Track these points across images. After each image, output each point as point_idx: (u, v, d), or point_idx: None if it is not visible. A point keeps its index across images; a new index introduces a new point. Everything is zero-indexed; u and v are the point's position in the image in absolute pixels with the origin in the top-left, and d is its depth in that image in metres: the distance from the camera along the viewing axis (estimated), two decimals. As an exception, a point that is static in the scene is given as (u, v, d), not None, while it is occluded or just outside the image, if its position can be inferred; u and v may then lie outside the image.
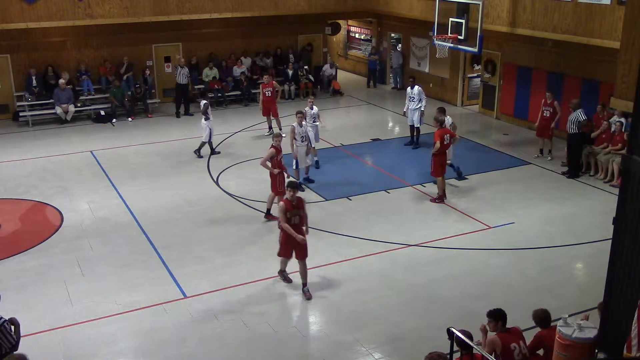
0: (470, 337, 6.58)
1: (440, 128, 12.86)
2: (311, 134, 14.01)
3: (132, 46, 20.41)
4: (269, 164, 11.61)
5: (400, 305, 9.28)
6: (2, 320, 6.40)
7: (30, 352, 7.92)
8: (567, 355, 6.39)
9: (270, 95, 17.15)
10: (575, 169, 14.33)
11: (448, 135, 12.82)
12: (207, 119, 15.41)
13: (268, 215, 12.03)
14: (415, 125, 16.35)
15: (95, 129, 18.58)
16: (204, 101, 15.67)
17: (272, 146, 11.73)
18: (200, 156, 15.64)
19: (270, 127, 17.54)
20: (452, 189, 13.67)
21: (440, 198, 12.88)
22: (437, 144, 12.54)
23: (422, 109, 16.13)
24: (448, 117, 13.83)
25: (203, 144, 15.65)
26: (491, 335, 6.78)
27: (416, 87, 16.21)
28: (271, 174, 11.70)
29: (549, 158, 15.37)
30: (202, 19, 19.91)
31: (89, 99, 19.65)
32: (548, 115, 15.18)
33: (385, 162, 15.63)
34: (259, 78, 21.68)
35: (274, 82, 17.63)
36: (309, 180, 13.91)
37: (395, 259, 10.63)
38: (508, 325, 6.84)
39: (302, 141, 13.30)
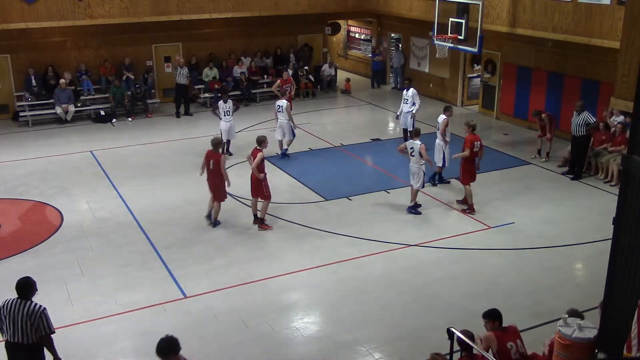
0: (472, 337, 6.58)
1: (472, 134, 12.21)
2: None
3: (132, 46, 20.42)
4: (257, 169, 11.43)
5: (400, 305, 9.28)
6: (42, 307, 6.63)
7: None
8: (567, 355, 6.40)
9: (288, 91, 17.22)
10: (579, 170, 14.29)
11: (479, 142, 12.18)
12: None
13: (257, 221, 11.86)
14: (407, 129, 16.13)
15: (95, 129, 18.58)
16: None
17: (259, 150, 11.47)
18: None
19: None
20: (452, 189, 13.69)
21: (471, 208, 12.38)
22: (467, 152, 12.06)
23: (414, 112, 15.85)
24: (443, 115, 13.74)
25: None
26: (487, 332, 6.78)
27: (411, 89, 15.99)
28: (257, 179, 11.50)
29: (543, 159, 15.35)
30: (202, 19, 19.91)
31: (89, 99, 19.66)
32: (543, 124, 15.25)
33: (385, 162, 15.63)
34: (260, 78, 21.77)
35: (292, 79, 17.82)
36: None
37: (395, 259, 10.63)
38: (505, 324, 6.83)
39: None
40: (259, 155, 11.39)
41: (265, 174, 11.65)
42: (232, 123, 15.66)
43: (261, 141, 11.61)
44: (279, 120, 15.52)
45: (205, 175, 11.79)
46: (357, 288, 9.72)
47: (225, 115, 15.46)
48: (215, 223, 11.86)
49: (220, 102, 15.56)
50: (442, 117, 13.72)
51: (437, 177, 13.94)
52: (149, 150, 16.56)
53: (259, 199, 11.79)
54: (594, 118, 14.08)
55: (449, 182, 13.93)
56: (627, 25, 9.22)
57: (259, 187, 11.59)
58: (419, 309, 9.18)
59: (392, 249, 10.98)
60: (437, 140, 13.77)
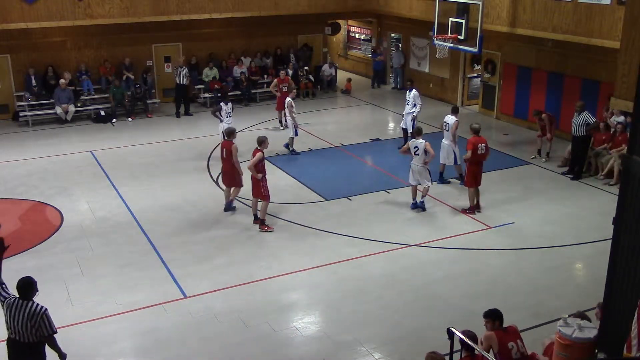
0: (475, 338, 6.56)
1: (475, 136, 12.11)
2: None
3: (132, 46, 20.42)
4: (253, 168, 11.42)
5: (400, 305, 9.28)
6: (44, 308, 6.58)
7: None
8: (567, 355, 6.39)
9: (286, 90, 17.27)
10: (579, 170, 14.28)
11: (483, 145, 12.07)
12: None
13: (257, 221, 11.86)
14: (408, 130, 16.05)
15: (95, 129, 18.58)
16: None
17: (259, 150, 11.49)
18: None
19: (281, 122, 17.77)
20: (452, 188, 13.70)
21: (472, 209, 12.36)
22: (469, 153, 11.99)
23: (415, 115, 15.75)
24: (453, 116, 13.74)
25: None
26: (487, 332, 6.76)
27: (413, 91, 15.86)
28: (255, 179, 11.56)
29: (543, 159, 15.36)
30: (202, 19, 19.91)
31: (89, 99, 19.66)
32: (543, 124, 15.30)
33: (385, 162, 15.64)
34: (260, 78, 21.78)
35: (289, 78, 18.17)
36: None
37: (395, 259, 10.63)
38: (505, 324, 6.83)
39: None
40: (258, 155, 11.41)
41: (264, 175, 11.64)
42: (232, 125, 15.52)
43: (261, 141, 11.61)
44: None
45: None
46: (357, 288, 9.72)
47: (227, 117, 15.28)
48: (229, 206, 12.46)
49: (222, 104, 15.41)
50: (452, 119, 13.65)
51: (458, 176, 13.99)
52: (149, 150, 16.55)
53: (259, 199, 11.80)
54: (593, 118, 14.07)
55: (449, 182, 13.95)
56: (627, 25, 9.20)
57: (258, 188, 11.60)
58: (419, 309, 9.18)
59: (392, 249, 10.98)
60: (445, 141, 13.72)
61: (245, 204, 12.77)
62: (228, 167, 12.25)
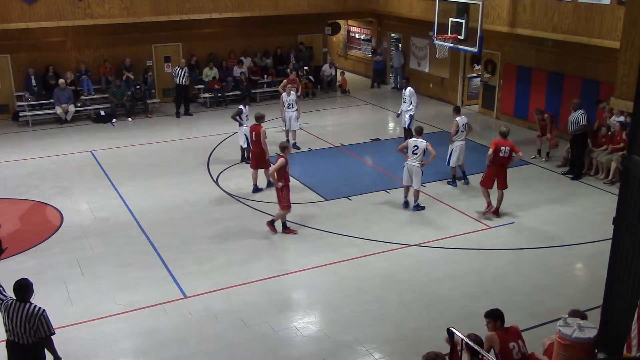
0: (481, 343, 6.52)
1: (500, 139, 11.88)
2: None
3: (132, 46, 20.41)
4: (275, 175, 11.13)
5: (400, 305, 9.28)
6: (41, 309, 6.59)
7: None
8: (567, 355, 6.40)
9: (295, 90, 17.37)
10: (578, 170, 14.27)
11: (507, 148, 11.71)
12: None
13: (286, 230, 11.59)
14: (405, 128, 16.13)
15: (95, 129, 18.58)
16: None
17: (282, 156, 11.14)
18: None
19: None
20: (452, 189, 13.70)
21: (489, 205, 12.14)
22: (490, 152, 11.80)
23: (412, 114, 15.78)
24: (463, 116, 13.74)
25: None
26: (489, 332, 6.76)
27: (408, 88, 15.91)
28: (275, 187, 11.36)
29: (543, 160, 15.36)
30: (202, 19, 19.91)
31: (89, 99, 19.66)
32: (544, 124, 15.33)
33: (385, 162, 15.63)
34: (260, 78, 21.77)
35: (297, 79, 18.46)
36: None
37: (395, 259, 10.64)
38: (506, 325, 6.83)
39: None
40: (280, 161, 11.08)
41: (286, 184, 11.28)
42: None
43: (284, 147, 11.32)
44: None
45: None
46: (357, 288, 9.72)
47: (246, 120, 14.83)
48: (256, 188, 13.42)
49: (242, 107, 14.94)
50: (465, 119, 13.76)
51: (464, 177, 13.96)
52: (149, 150, 16.55)
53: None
54: (585, 120, 13.93)
55: (468, 182, 13.93)
56: (627, 25, 9.19)
57: (278, 196, 11.40)
58: (419, 309, 9.18)
59: (392, 249, 10.98)
60: (462, 143, 13.60)
61: (246, 205, 12.77)
62: (257, 149, 13.11)
